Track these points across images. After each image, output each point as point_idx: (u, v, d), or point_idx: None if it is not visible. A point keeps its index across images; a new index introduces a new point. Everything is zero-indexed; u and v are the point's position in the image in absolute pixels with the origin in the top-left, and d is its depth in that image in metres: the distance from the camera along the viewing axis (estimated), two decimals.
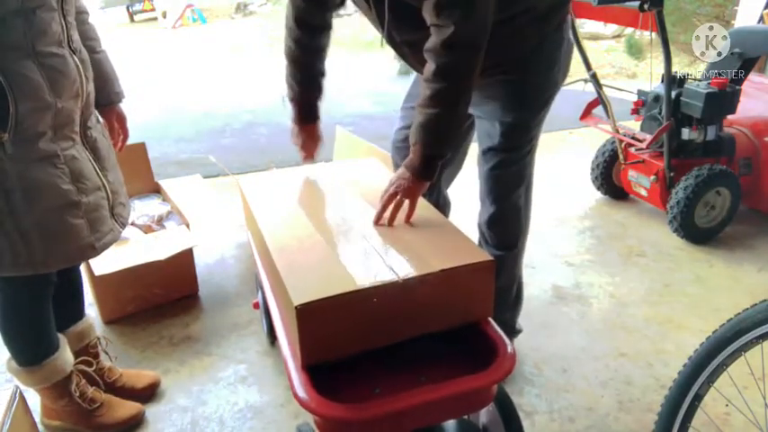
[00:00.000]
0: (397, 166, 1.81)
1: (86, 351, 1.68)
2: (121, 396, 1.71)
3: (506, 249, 1.69)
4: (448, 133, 1.33)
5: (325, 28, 1.59)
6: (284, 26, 1.59)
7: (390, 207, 1.35)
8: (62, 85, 1.28)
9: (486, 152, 1.60)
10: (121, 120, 1.59)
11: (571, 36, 1.56)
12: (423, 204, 1.48)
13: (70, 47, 1.31)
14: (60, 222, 1.31)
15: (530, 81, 1.48)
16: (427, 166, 1.33)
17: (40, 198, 1.28)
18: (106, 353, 1.76)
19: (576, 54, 1.85)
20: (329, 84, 1.70)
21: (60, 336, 1.54)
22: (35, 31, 1.21)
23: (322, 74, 1.65)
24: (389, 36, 1.41)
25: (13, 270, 1.31)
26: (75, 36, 1.35)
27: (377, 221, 1.35)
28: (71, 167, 1.33)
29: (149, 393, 1.76)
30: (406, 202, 1.35)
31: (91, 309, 2.03)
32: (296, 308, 1.06)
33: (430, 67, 1.25)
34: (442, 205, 1.86)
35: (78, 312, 1.69)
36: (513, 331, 1.83)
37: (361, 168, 1.74)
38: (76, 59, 1.33)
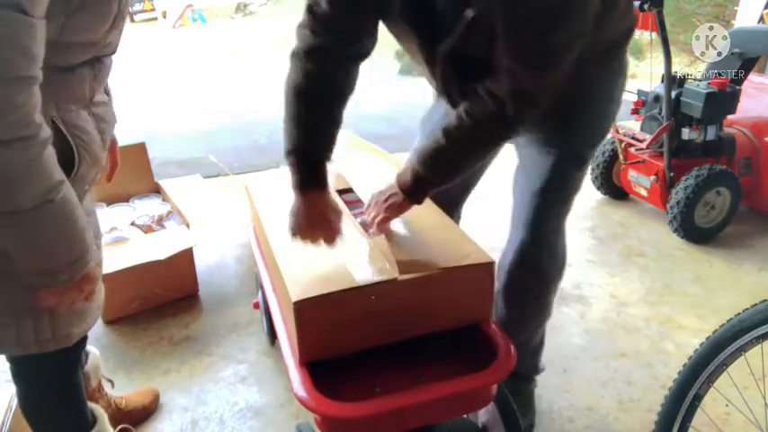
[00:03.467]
0: None
1: (99, 387, 1.57)
2: (137, 416, 1.65)
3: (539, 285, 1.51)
4: (448, 170, 1.22)
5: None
6: (292, 54, 1.19)
7: (376, 216, 1.28)
8: (107, 135, 1.14)
9: (541, 189, 1.39)
10: (113, 146, 1.34)
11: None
12: (426, 203, 1.48)
13: (106, 92, 1.17)
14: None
15: (586, 110, 1.35)
16: (417, 188, 1.24)
17: None
18: (109, 381, 1.65)
19: None
20: None
21: (96, 407, 1.36)
22: (97, 80, 1.07)
23: (338, 123, 1.25)
24: (445, 88, 1.24)
25: (36, 347, 1.09)
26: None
27: (367, 228, 1.31)
28: (92, 223, 1.19)
29: (156, 405, 1.72)
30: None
31: None
32: (294, 303, 1.07)
33: (472, 104, 1.12)
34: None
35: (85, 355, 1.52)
36: (536, 372, 1.65)
37: (364, 167, 1.75)
38: (113, 105, 1.19)
